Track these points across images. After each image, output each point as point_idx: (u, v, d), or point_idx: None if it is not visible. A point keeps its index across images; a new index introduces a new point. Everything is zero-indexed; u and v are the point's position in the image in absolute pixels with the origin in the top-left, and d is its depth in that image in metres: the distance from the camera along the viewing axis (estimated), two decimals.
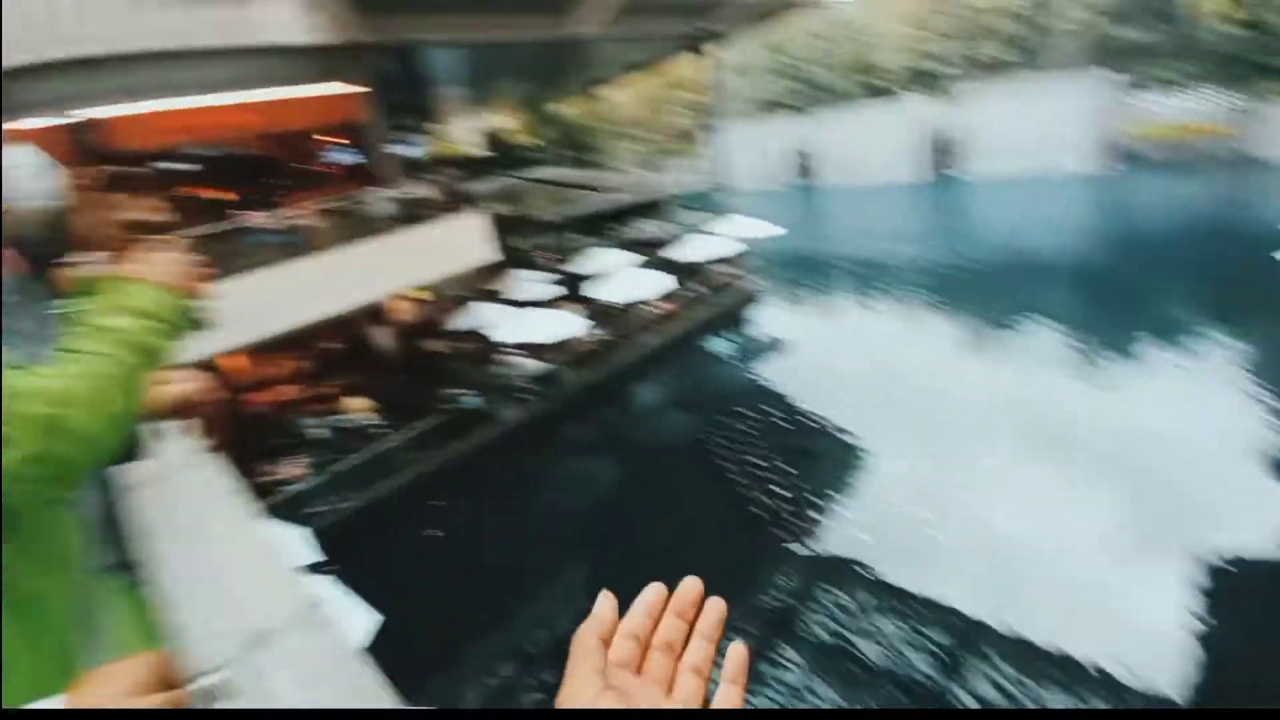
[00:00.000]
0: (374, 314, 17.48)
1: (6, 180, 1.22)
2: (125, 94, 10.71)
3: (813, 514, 10.48)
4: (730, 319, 20.75)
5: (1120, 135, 33.70)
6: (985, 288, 20.75)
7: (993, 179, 37.34)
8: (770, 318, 21.18)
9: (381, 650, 3.37)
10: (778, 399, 14.96)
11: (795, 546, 9.79)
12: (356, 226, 12.81)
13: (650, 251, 22.16)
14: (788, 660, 7.73)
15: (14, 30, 9.01)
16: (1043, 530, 9.29)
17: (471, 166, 37.68)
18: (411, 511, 12.10)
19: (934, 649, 7.67)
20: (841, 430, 12.97)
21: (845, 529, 10.04)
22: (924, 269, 23.24)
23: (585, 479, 13.22)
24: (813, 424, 13.52)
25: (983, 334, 16.95)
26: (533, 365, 15.06)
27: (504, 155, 40.64)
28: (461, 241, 12.89)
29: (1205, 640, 7.26)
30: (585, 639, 0.47)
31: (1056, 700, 6.81)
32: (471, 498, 12.64)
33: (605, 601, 0.53)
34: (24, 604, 0.77)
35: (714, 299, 20.55)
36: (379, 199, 13.22)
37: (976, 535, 9.37)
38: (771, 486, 11.30)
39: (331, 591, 5.91)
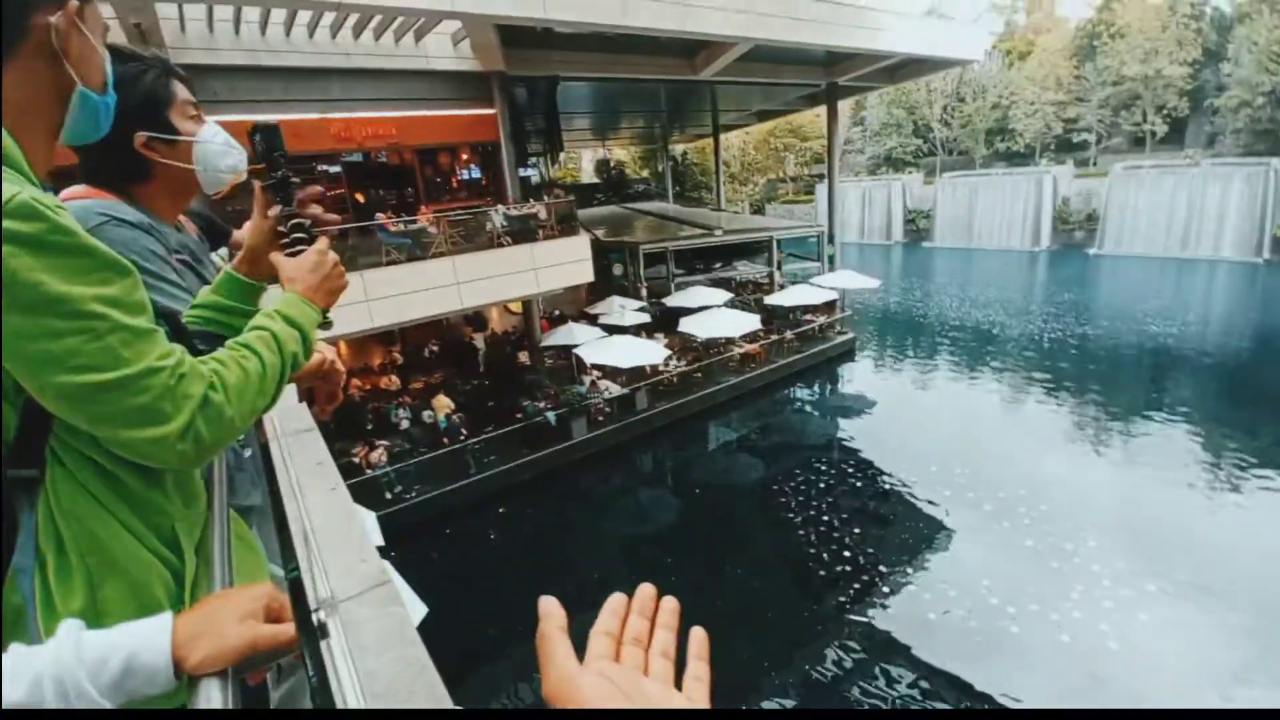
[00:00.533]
0: (473, 320, 18.58)
1: (197, 152, 1.33)
2: (305, 103, 12.36)
3: (876, 581, 9.97)
4: (819, 369, 20.31)
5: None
6: (1103, 372, 19.10)
7: (1126, 254, 34.51)
8: (861, 374, 20.52)
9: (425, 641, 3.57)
10: (856, 458, 14.42)
11: (851, 613, 9.34)
12: (473, 237, 13.80)
13: (746, 293, 22.22)
14: None
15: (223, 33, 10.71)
16: (1134, 642, 8.35)
17: (584, 192, 39.49)
18: (475, 512, 12.63)
19: None
20: (919, 501, 12.29)
21: (909, 604, 9.47)
22: (1033, 343, 21.74)
23: (647, 507, 13.27)
24: (889, 489, 12.89)
25: (1094, 422, 15.56)
26: (614, 389, 15.41)
27: (615, 185, 42.28)
28: (564, 261, 13.54)
29: None
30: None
31: None
32: (534, 508, 13.02)
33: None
34: (159, 527, 0.91)
35: (804, 347, 20.23)
36: (497, 214, 14.18)
37: (1058, 639, 8.55)
38: (835, 547, 10.86)
39: (392, 575, 6.31)
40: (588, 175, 51.61)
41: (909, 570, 10.30)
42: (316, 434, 1.85)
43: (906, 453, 14.24)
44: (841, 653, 8.64)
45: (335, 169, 15.58)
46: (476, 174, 19.00)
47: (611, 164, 45.98)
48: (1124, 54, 36.75)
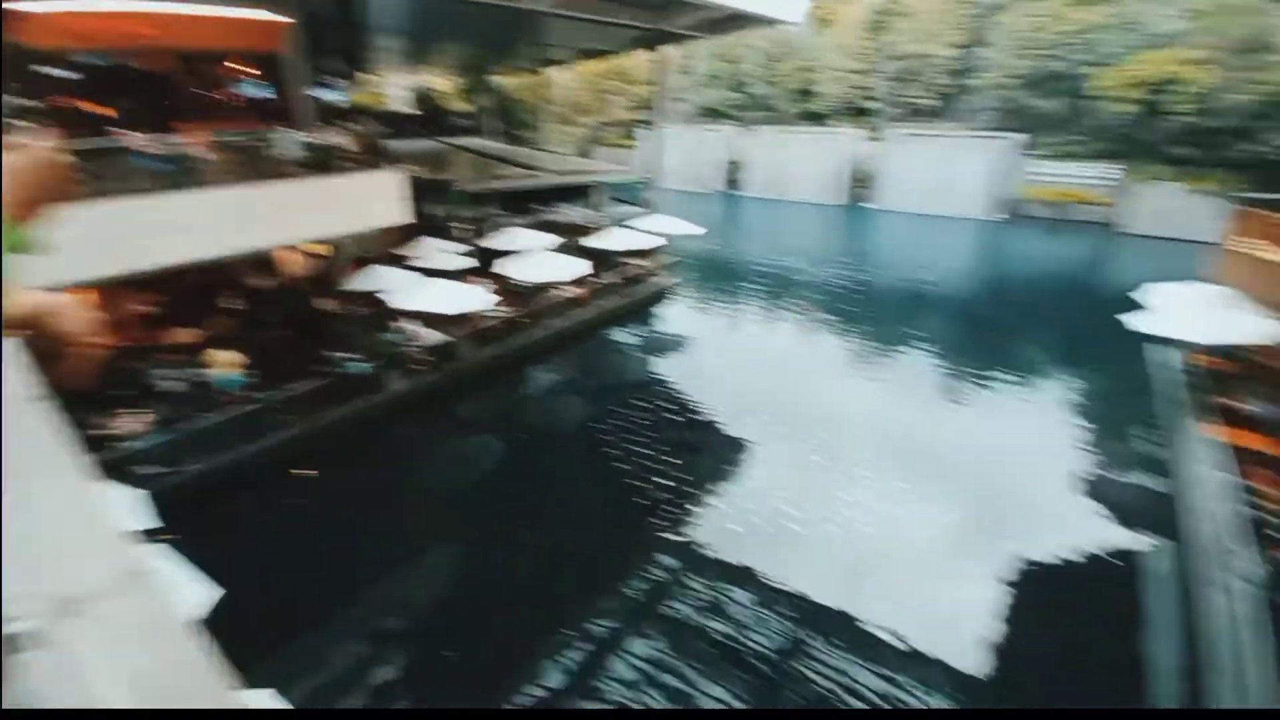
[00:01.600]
0: (261, 264, 16.40)
1: None
2: None
3: (690, 505, 11.03)
4: (639, 312, 21.15)
5: (1015, 192, 37.26)
6: (877, 311, 22.37)
7: (900, 211, 40.18)
8: (677, 315, 21.79)
9: (222, 624, 3.31)
10: (673, 394, 15.48)
11: (669, 534, 10.29)
12: (256, 166, 11.98)
13: (569, 236, 22.13)
14: (650, 638, 8.16)
15: None
16: (890, 531, 10.29)
17: (395, 123, 35.89)
18: (275, 479, 11.56)
19: (779, 630, 8.38)
20: (726, 430, 13.66)
21: (718, 520, 10.66)
22: (826, 287, 24.69)
23: (469, 457, 13.11)
24: (703, 421, 14.12)
25: (868, 352, 18.34)
26: (431, 336, 14.72)
27: (432, 117, 38.96)
28: (371, 199, 12.35)
29: (1007, 628, 8.45)
30: None
31: (871, 678, 7.65)
32: (347, 467, 12.24)
33: None
34: None
35: (626, 290, 20.87)
36: (286, 141, 12.41)
37: (832, 532, 10.26)
38: (655, 478, 11.75)
39: (164, 561, 5.61)
40: (401, 105, 46.89)
41: (718, 492, 11.50)
42: (49, 404, 1.54)
43: (719, 387, 15.63)
44: (660, 570, 9.50)
45: (72, 74, 12.47)
46: (264, 92, 16.39)
47: (428, 94, 42.13)
48: (907, 33, 41.47)
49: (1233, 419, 11.84)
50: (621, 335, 20.03)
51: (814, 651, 8.08)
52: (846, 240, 34.84)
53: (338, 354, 13.03)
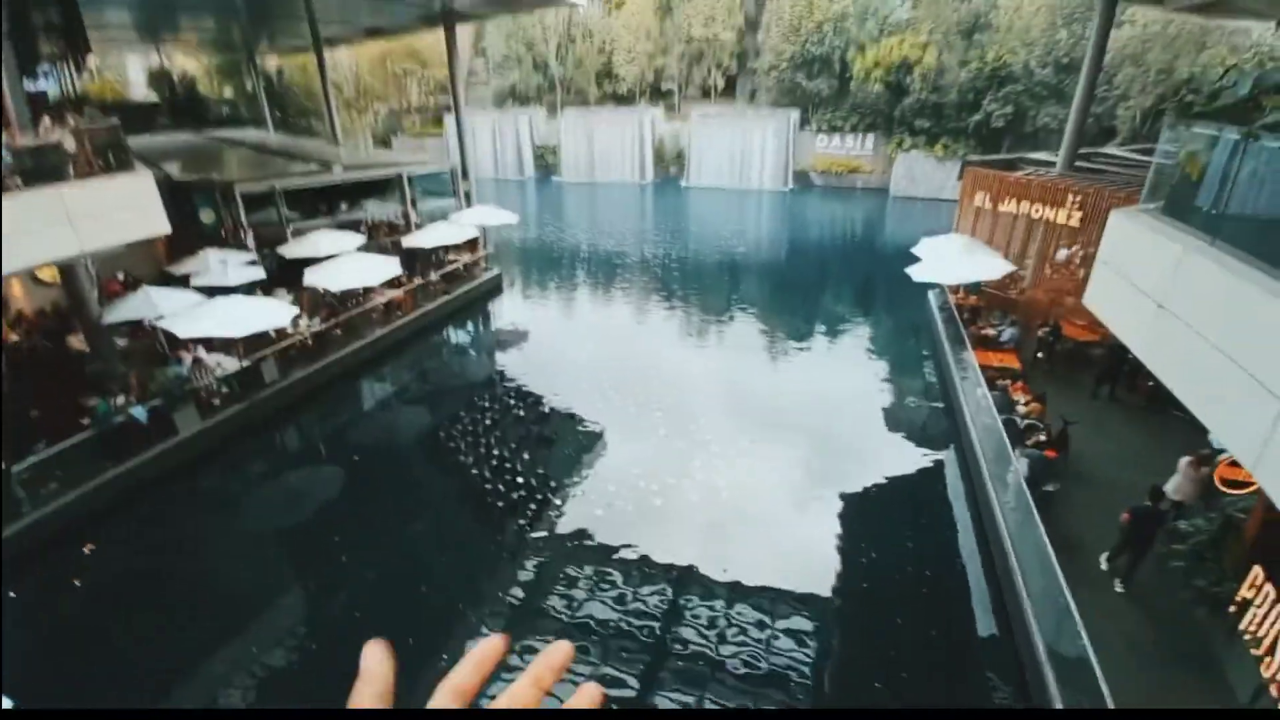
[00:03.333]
0: None
1: None
2: None
3: (550, 498, 10.89)
4: (468, 308, 20.26)
5: (799, 163, 41.56)
6: (698, 282, 23.70)
7: (704, 187, 42.89)
8: (509, 307, 21.24)
9: None
10: (518, 388, 15.10)
11: (533, 531, 10.07)
12: None
13: (380, 235, 20.42)
14: (536, 636, 7.95)
15: None
16: (740, 487, 11.08)
17: (138, 114, 30.24)
18: (45, 561, 9.39)
19: (654, 598, 8.66)
20: (576, 416, 13.66)
21: (580, 507, 10.65)
22: (647, 264, 25.58)
23: (296, 494, 11.67)
24: (550, 411, 13.97)
25: (696, 321, 19.39)
26: (229, 363, 12.78)
27: (187, 106, 33.43)
28: (109, 209, 10.18)
29: (846, 548, 9.60)
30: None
31: (750, 616, 8.26)
32: (141, 531, 10.30)
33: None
34: None
35: (450, 287, 19.84)
36: None
37: (690, 498, 10.78)
38: (510, 477, 11.41)
39: None
40: (142, 92, 39.59)
41: (576, 480, 11.49)
42: None
43: (562, 374, 15.54)
44: (530, 570, 9.30)
45: None
46: None
47: (177, 78, 35.92)
48: (692, 17, 43.73)
49: (983, 343, 14.40)
50: (454, 334, 19.06)
51: (694, 609, 8.50)
52: (659, 217, 36.32)
53: (100, 400, 10.78)
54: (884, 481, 11.35)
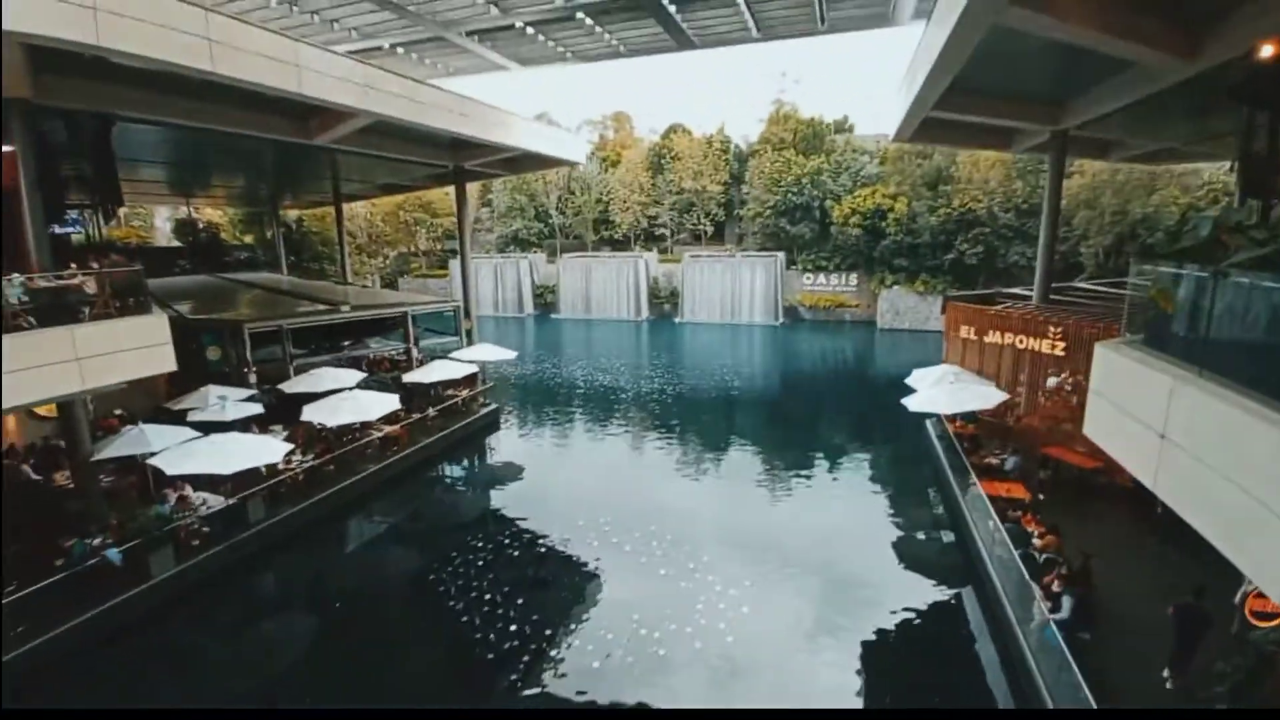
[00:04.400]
0: None
1: None
2: None
3: (544, 648, 10.05)
4: (464, 444, 20.08)
5: (788, 299, 43.74)
6: (693, 416, 23.77)
7: (696, 322, 44.56)
8: (507, 443, 21.07)
9: None
10: (512, 527, 14.54)
11: (526, 687, 9.18)
12: None
13: (381, 371, 20.78)
14: None
15: None
16: (746, 632, 10.29)
17: (160, 258, 31.97)
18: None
19: None
20: (573, 555, 13.04)
21: (576, 659, 9.80)
22: (643, 399, 25.82)
23: (273, 641, 10.79)
24: (546, 551, 13.34)
25: (694, 457, 19.15)
26: (213, 501, 12.38)
27: (206, 251, 35.42)
28: (127, 347, 10.40)
29: (869, 699, 8.70)
30: None
31: None
32: (100, 683, 9.37)
33: None
34: None
35: (448, 424, 19.81)
36: (10, 285, 10.15)
37: (693, 646, 9.95)
38: (501, 624, 10.62)
39: None
40: (167, 238, 42.24)
41: (572, 626, 10.69)
42: None
43: (557, 512, 15.04)
44: None
45: None
46: None
47: (200, 226, 38.39)
48: (681, 172, 48.18)
49: (987, 473, 14.20)
50: (449, 470, 18.71)
51: None
52: (654, 353, 37.27)
53: (77, 540, 10.28)
54: (901, 621, 10.63)
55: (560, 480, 17.72)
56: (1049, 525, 11.06)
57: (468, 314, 23.81)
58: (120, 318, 10.57)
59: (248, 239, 42.56)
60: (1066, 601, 8.62)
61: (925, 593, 11.51)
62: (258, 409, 15.53)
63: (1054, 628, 8.47)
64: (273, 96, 12.59)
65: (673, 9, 22.47)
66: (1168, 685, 7.54)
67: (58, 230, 15.77)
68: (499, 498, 16.70)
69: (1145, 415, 6.29)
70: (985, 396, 14.81)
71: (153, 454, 11.95)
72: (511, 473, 18.40)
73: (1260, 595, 7.54)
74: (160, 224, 45.88)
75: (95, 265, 11.68)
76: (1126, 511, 12.12)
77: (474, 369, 21.18)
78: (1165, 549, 10.97)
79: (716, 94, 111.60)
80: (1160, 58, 9.98)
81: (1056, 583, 9.05)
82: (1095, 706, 7.18)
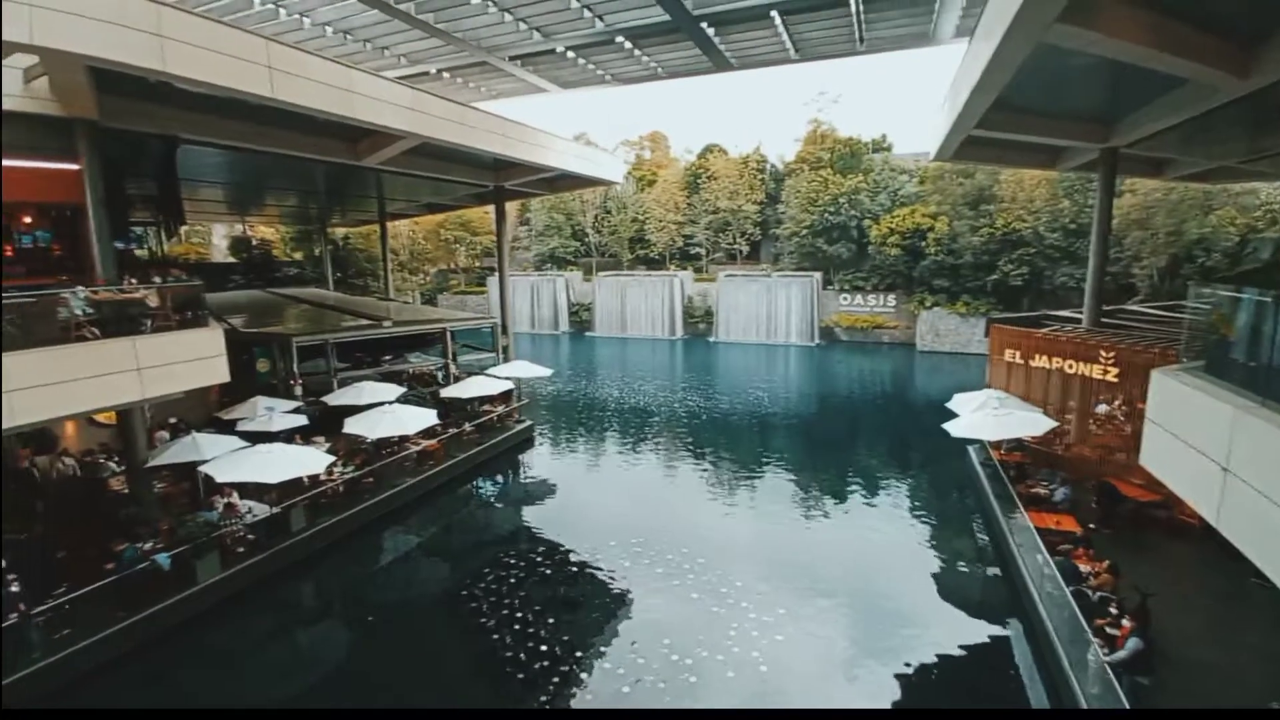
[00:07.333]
0: (36, 437, 13.67)
1: None
2: None
3: (574, 669, 9.98)
4: (500, 459, 20.28)
5: (823, 320, 43.17)
6: (729, 437, 23.54)
7: (732, 342, 44.24)
8: (541, 460, 21.19)
9: None
10: (544, 544, 14.56)
11: (552, 704, 9.11)
12: (34, 327, 10.15)
13: (420, 386, 21.23)
14: None
15: None
16: (779, 660, 10.02)
17: (216, 273, 33.46)
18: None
19: None
20: (604, 576, 12.96)
21: (606, 683, 9.69)
22: (678, 418, 25.70)
23: (308, 651, 11.00)
24: (578, 571, 13.30)
25: (728, 478, 18.92)
26: (258, 509, 12.76)
27: (258, 266, 36.93)
28: (183, 359, 10.90)
29: None
30: None
31: None
32: (143, 687, 9.66)
33: None
34: None
35: (484, 439, 20.05)
36: (76, 297, 10.77)
37: (725, 674, 9.73)
38: (532, 643, 10.60)
39: None
40: (222, 254, 44.25)
41: (602, 649, 10.58)
42: None
43: (589, 531, 15.02)
44: None
45: None
46: (47, 242, 14.55)
47: (254, 242, 40.12)
48: (717, 192, 48.34)
49: (1034, 503, 13.65)
50: (483, 485, 18.90)
51: None
52: (689, 372, 37.15)
53: (131, 545, 10.70)
54: (942, 657, 10.20)
55: (593, 499, 17.71)
56: (1105, 561, 10.54)
57: (506, 331, 24.18)
58: (179, 330, 11.09)
59: (297, 255, 44.24)
60: (1131, 643, 8.15)
61: (969, 629, 11.05)
62: (303, 420, 16.00)
63: (1110, 671, 8.03)
64: (325, 120, 13.15)
65: (711, 32, 22.68)
66: None
67: (121, 246, 16.68)
68: (531, 515, 16.77)
69: (1206, 446, 5.98)
70: (1032, 423, 14.27)
71: (203, 461, 12.42)
72: (544, 490, 18.48)
73: None
74: (216, 240, 48.06)
75: (157, 280, 12.31)
76: (1191, 548, 11.49)
77: (510, 385, 21.44)
78: (1234, 588, 10.34)
79: (753, 113, 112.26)
80: (1214, 74, 9.65)
81: (1122, 621, 8.58)
82: None
